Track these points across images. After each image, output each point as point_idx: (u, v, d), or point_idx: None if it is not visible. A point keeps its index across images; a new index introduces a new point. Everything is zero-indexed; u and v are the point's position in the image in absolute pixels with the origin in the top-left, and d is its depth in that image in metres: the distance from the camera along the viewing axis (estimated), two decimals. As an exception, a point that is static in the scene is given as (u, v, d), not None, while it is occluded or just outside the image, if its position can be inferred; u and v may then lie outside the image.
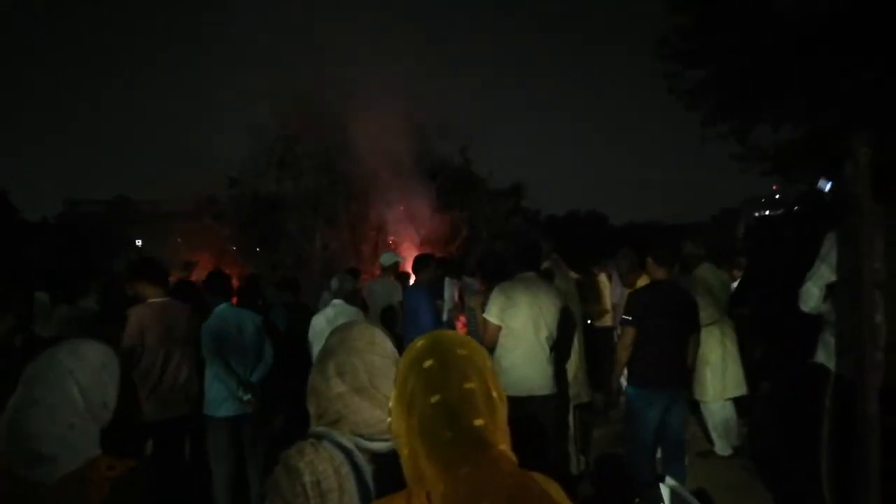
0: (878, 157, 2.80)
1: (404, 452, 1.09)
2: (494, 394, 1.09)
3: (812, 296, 3.31)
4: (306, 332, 5.00)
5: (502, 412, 1.10)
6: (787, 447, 4.43)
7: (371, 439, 1.41)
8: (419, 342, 1.16)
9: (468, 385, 1.07)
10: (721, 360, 5.06)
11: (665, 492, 2.96)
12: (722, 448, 5.18)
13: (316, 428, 1.45)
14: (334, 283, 5.25)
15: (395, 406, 1.13)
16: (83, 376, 1.57)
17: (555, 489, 1.08)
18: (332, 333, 1.57)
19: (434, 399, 1.05)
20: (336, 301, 5.09)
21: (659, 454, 4.27)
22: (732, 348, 5.16)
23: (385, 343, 1.56)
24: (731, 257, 6.92)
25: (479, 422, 1.04)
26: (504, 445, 1.06)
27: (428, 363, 1.09)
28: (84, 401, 1.55)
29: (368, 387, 1.45)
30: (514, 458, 1.06)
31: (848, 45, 8.12)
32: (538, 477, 1.07)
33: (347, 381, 1.44)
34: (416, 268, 5.73)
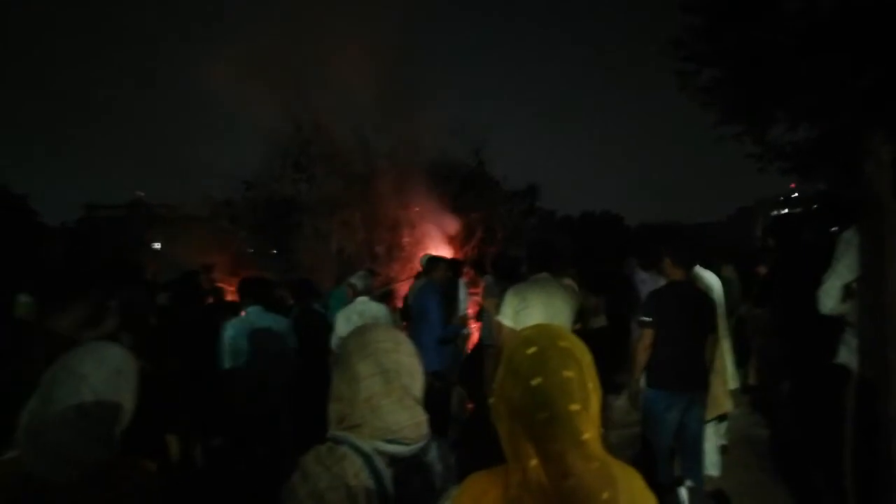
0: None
1: (504, 429, 1.21)
2: (590, 385, 1.20)
3: (830, 296, 3.26)
4: (319, 336, 5.05)
5: (596, 403, 1.20)
6: (809, 448, 4.37)
7: (392, 442, 1.40)
8: (525, 331, 1.29)
9: (567, 373, 1.18)
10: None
11: (684, 494, 2.94)
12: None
13: (334, 432, 1.43)
14: (358, 282, 5.37)
15: (498, 387, 1.24)
16: (97, 381, 1.58)
17: (635, 477, 1.23)
18: (349, 337, 1.55)
19: (535, 382, 1.17)
20: (361, 298, 5.18)
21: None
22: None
23: (408, 342, 1.56)
24: (757, 256, 6.87)
25: (573, 407, 1.16)
26: (594, 433, 1.17)
27: (532, 350, 1.22)
28: (97, 405, 1.56)
29: (398, 388, 1.45)
30: (601, 445, 1.18)
31: (851, 47, 8.02)
32: (620, 465, 1.20)
33: (377, 384, 1.43)
34: (428, 268, 5.84)
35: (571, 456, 1.13)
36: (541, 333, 1.27)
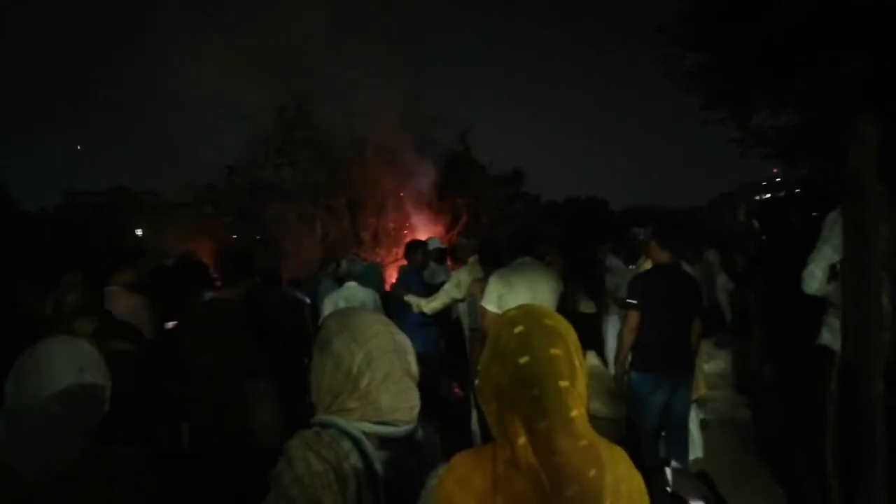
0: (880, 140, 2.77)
1: (492, 407, 1.22)
2: (577, 362, 1.21)
3: (815, 277, 3.28)
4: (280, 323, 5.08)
5: (582, 380, 1.22)
6: (791, 430, 4.42)
7: (382, 424, 1.38)
8: (510, 312, 1.32)
9: (554, 350, 1.20)
10: None
11: (669, 475, 2.97)
12: None
13: (321, 416, 1.41)
14: (344, 266, 5.35)
15: (483, 368, 1.26)
16: (54, 380, 1.53)
17: (622, 456, 1.23)
18: (331, 320, 1.51)
19: (523, 360, 1.18)
20: (349, 283, 5.16)
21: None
22: None
23: (392, 323, 1.53)
24: (740, 241, 6.91)
25: (563, 383, 1.17)
26: (581, 410, 1.18)
27: (519, 329, 1.23)
28: (60, 402, 1.52)
29: (398, 368, 1.43)
30: (588, 424, 1.19)
31: (834, 37, 8.08)
32: (607, 444, 1.21)
33: (377, 367, 1.40)
34: (407, 252, 5.85)
35: (559, 434, 1.14)
36: (526, 313, 1.28)
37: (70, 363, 1.57)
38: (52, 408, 1.49)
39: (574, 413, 1.17)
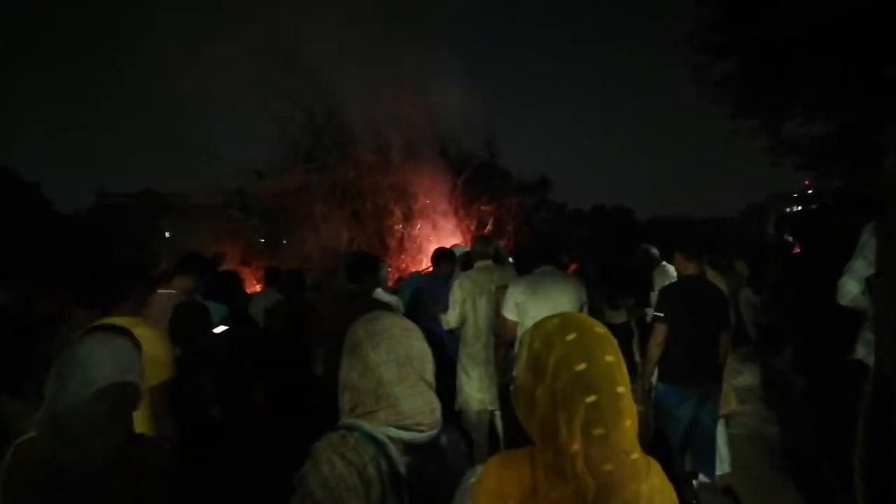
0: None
1: (538, 414, 1.21)
2: (625, 371, 1.23)
3: (849, 289, 3.22)
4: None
5: (630, 388, 1.23)
6: (820, 445, 4.33)
7: (406, 429, 1.39)
8: (553, 320, 1.30)
9: (608, 357, 1.21)
10: None
11: (696, 489, 2.92)
12: None
13: (347, 420, 1.42)
14: None
15: (527, 375, 1.25)
16: (97, 380, 1.55)
17: (655, 467, 1.23)
18: (358, 325, 1.54)
19: (580, 367, 1.19)
20: (375, 290, 5.19)
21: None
22: None
23: (417, 329, 1.55)
24: (770, 252, 6.80)
25: (620, 389, 1.19)
26: (634, 421, 1.19)
27: (571, 336, 1.23)
28: (102, 401, 1.54)
29: (411, 374, 1.43)
30: (636, 436, 1.20)
31: (866, 42, 7.95)
32: (644, 457, 1.21)
33: (391, 371, 1.42)
34: (435, 260, 5.84)
35: (614, 444, 1.15)
36: (573, 321, 1.28)
37: (113, 364, 1.60)
38: (95, 406, 1.53)
39: (628, 423, 1.18)
